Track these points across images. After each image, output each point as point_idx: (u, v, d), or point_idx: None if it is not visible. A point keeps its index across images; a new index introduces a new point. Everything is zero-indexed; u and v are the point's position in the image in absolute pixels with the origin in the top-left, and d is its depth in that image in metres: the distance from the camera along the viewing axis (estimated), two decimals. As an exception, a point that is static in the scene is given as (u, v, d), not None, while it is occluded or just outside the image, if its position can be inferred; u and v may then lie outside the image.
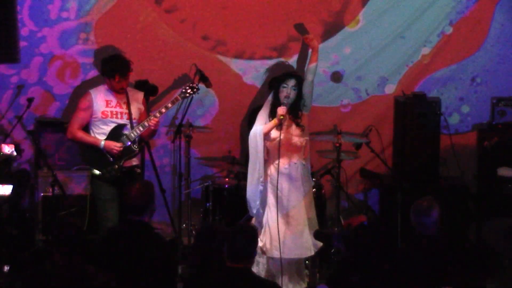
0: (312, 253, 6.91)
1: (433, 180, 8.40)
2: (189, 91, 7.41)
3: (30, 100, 8.11)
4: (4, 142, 8.05)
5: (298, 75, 6.97)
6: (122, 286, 5.36)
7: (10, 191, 7.76)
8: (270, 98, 7.00)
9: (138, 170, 7.41)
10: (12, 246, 7.54)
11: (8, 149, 7.91)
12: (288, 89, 6.83)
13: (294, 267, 6.91)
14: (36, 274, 5.13)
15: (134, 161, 7.30)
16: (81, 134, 7.18)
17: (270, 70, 8.52)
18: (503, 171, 8.36)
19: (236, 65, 8.72)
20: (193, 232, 8.04)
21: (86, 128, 7.24)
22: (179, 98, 7.37)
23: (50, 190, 7.64)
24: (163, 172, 8.53)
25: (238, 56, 8.72)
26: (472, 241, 8.06)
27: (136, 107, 7.27)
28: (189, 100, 7.65)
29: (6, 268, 7.24)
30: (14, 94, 8.39)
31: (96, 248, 5.86)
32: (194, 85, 7.46)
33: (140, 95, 7.41)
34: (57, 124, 8.36)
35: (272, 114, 6.87)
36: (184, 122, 8.04)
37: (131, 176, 7.17)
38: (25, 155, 8.28)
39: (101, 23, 8.51)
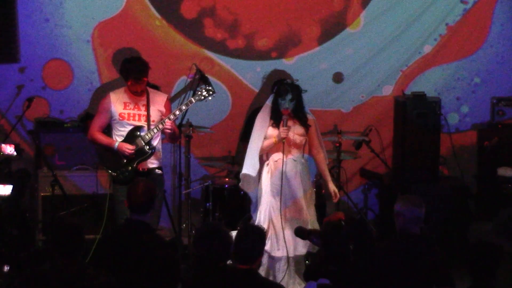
0: (305, 251, 6.88)
1: (433, 180, 8.40)
2: (204, 93, 7.19)
3: (30, 100, 8.11)
4: (4, 142, 8.05)
5: (294, 86, 6.95)
6: (122, 287, 5.36)
7: (10, 191, 7.75)
8: (269, 102, 6.97)
9: (159, 172, 7.34)
10: (12, 246, 7.54)
11: (8, 149, 7.91)
12: (286, 103, 6.86)
13: (294, 267, 6.91)
14: (36, 274, 5.13)
15: (154, 163, 7.25)
16: (99, 136, 7.19)
17: (267, 76, 8.56)
18: (503, 171, 8.37)
19: (236, 65, 8.72)
20: (193, 232, 8.02)
21: (109, 129, 7.25)
22: (193, 101, 7.22)
23: (50, 190, 7.64)
24: (164, 172, 8.52)
25: (238, 56, 8.72)
26: (472, 241, 8.06)
27: (156, 110, 7.18)
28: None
29: (6, 268, 7.24)
30: (14, 94, 8.38)
31: (96, 248, 5.86)
32: (210, 87, 7.30)
33: (163, 98, 7.30)
34: (57, 124, 8.36)
35: (274, 119, 6.87)
36: (184, 122, 8.03)
37: (149, 177, 7.13)
38: (25, 155, 8.27)
39: (101, 25, 8.52)
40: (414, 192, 7.95)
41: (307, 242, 6.79)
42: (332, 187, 7.05)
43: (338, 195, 7.07)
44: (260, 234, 5.27)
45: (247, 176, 6.99)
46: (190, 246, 7.77)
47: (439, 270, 5.54)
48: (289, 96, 6.85)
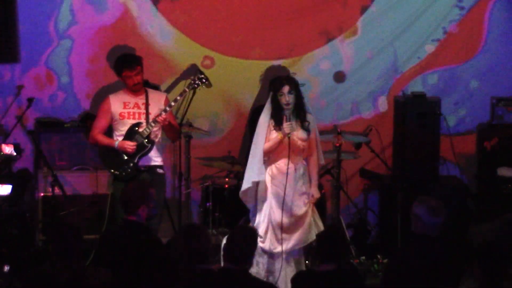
0: (312, 238, 6.87)
1: (433, 180, 8.40)
2: (197, 82, 7.30)
3: (30, 100, 8.11)
4: (4, 142, 8.05)
5: (289, 78, 6.91)
6: (122, 286, 5.36)
7: (10, 191, 7.75)
8: (268, 104, 6.92)
9: (160, 171, 7.35)
10: (12, 246, 7.54)
11: (8, 149, 7.91)
12: (285, 96, 6.78)
13: (294, 267, 6.91)
14: (36, 274, 5.13)
15: (156, 161, 7.29)
16: (100, 137, 7.27)
17: (266, 73, 8.55)
18: (503, 171, 8.36)
19: (236, 65, 8.72)
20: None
21: (109, 131, 7.28)
22: (187, 90, 7.28)
23: (50, 190, 7.64)
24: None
25: (238, 56, 8.71)
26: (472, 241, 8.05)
27: (156, 108, 7.24)
28: (189, 100, 7.63)
29: (6, 268, 7.24)
30: (14, 94, 8.37)
31: (95, 248, 5.87)
32: (202, 76, 7.35)
33: (162, 97, 7.38)
34: (57, 124, 8.36)
35: (275, 119, 6.82)
36: (184, 122, 8.03)
37: (151, 175, 7.16)
38: (25, 155, 8.27)
39: (100, 27, 8.51)
40: (414, 192, 7.94)
41: (307, 233, 6.80)
42: (313, 190, 6.98)
43: (314, 199, 6.97)
44: (251, 235, 5.28)
45: (248, 190, 6.91)
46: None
47: (453, 271, 5.52)
48: (286, 88, 6.80)
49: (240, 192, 6.93)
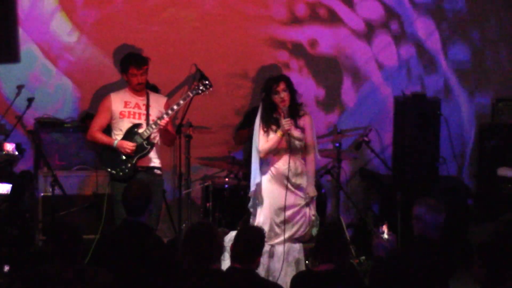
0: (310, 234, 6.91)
1: (433, 180, 8.40)
2: (201, 87, 7.32)
3: (30, 100, 8.10)
4: (5, 141, 8.04)
5: (283, 76, 6.91)
6: (121, 287, 5.36)
7: (10, 190, 7.74)
8: (260, 107, 6.92)
9: (158, 172, 7.35)
10: (12, 246, 7.54)
11: (10, 146, 7.91)
12: (280, 94, 6.78)
13: (294, 267, 6.91)
14: (36, 274, 5.13)
15: (155, 162, 7.29)
16: (98, 135, 7.26)
17: (263, 73, 8.57)
18: (503, 171, 8.37)
19: (236, 64, 8.72)
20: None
21: (108, 131, 7.28)
22: (191, 94, 7.28)
23: (50, 190, 7.64)
24: (163, 172, 8.53)
25: (238, 55, 8.72)
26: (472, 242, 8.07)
27: (157, 110, 7.25)
28: (189, 101, 7.62)
29: (6, 268, 7.24)
30: (14, 94, 8.36)
31: (95, 248, 5.87)
32: (207, 82, 7.37)
33: (163, 100, 7.39)
34: (57, 124, 8.36)
35: (265, 121, 6.81)
36: (184, 122, 8.03)
37: (149, 176, 7.17)
38: (25, 155, 8.27)
39: (98, 25, 8.51)
40: (414, 192, 7.94)
41: (303, 226, 6.83)
42: (309, 188, 6.96)
43: (309, 196, 6.96)
44: (259, 235, 5.28)
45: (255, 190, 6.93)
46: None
47: (449, 272, 5.52)
48: (282, 85, 6.78)
49: (250, 193, 6.98)
